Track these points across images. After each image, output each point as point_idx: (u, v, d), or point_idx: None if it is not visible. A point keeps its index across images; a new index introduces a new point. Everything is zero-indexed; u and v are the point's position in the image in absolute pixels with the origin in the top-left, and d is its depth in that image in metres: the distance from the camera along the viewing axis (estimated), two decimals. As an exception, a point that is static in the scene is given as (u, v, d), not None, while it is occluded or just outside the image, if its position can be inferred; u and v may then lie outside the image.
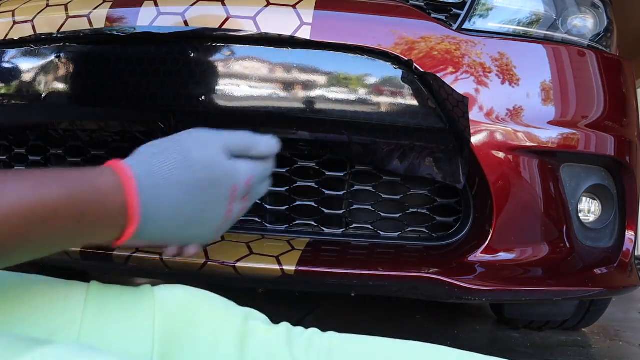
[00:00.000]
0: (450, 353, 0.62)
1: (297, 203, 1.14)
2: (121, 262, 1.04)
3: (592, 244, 1.18)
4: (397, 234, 1.14)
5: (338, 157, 1.12)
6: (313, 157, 1.13)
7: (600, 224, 1.19)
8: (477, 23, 1.12)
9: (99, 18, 1.07)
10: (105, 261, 1.06)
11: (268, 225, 1.15)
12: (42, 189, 0.47)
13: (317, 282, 1.07)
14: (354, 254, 1.11)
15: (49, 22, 1.11)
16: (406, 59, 1.03)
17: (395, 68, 1.04)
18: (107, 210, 0.51)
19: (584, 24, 1.21)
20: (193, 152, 0.57)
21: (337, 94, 1.04)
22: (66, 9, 1.10)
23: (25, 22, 1.12)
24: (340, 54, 1.04)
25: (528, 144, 1.07)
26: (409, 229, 1.14)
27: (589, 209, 1.19)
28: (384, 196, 1.14)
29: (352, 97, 1.04)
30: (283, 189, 1.14)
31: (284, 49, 1.04)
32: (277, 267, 1.02)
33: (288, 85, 1.04)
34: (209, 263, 1.03)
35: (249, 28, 1.03)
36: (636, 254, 1.28)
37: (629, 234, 1.22)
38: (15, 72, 1.14)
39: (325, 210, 1.14)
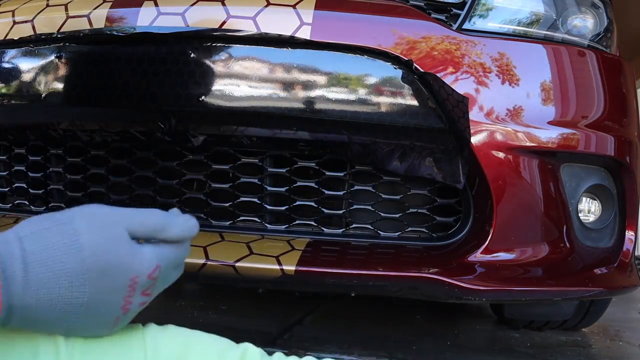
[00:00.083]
0: None
1: (297, 203, 1.14)
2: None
3: (592, 244, 1.18)
4: (397, 234, 1.14)
5: (338, 157, 1.12)
6: (313, 157, 1.13)
7: (600, 224, 1.19)
8: (477, 23, 1.12)
9: (99, 18, 1.07)
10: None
11: (268, 225, 1.15)
12: None
13: (317, 282, 1.07)
14: (354, 254, 1.11)
15: (49, 22, 1.11)
16: (406, 59, 1.03)
17: (395, 68, 1.04)
18: None
19: (584, 24, 1.21)
20: (83, 235, 0.49)
21: (337, 94, 1.04)
22: (66, 9, 1.11)
23: (25, 22, 1.13)
24: (340, 54, 1.04)
25: (528, 144, 1.07)
26: (409, 229, 1.14)
27: (589, 209, 1.19)
28: (384, 196, 1.14)
29: (352, 97, 1.04)
30: (283, 189, 1.14)
31: (284, 49, 1.04)
32: (277, 267, 1.02)
33: (288, 85, 1.04)
34: (208, 263, 1.03)
35: (249, 28, 1.03)
36: (636, 254, 1.28)
37: (629, 234, 1.22)
38: (15, 72, 1.14)
39: (325, 210, 1.14)
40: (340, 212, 1.14)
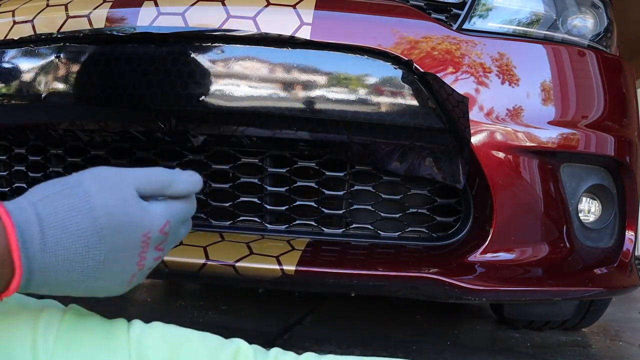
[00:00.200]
0: None
1: (297, 203, 1.14)
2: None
3: (592, 244, 1.18)
4: (397, 234, 1.14)
5: (338, 157, 1.12)
6: (313, 157, 1.13)
7: (600, 224, 1.19)
8: (477, 23, 1.12)
9: (99, 18, 1.07)
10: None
11: (268, 225, 1.15)
12: None
13: (317, 282, 1.07)
14: (354, 254, 1.11)
15: (49, 22, 1.11)
16: (406, 59, 1.03)
17: (395, 68, 1.04)
18: None
19: (584, 24, 1.21)
20: (94, 196, 0.50)
21: (337, 94, 1.04)
22: (66, 9, 1.11)
23: (25, 22, 1.13)
24: (340, 54, 1.04)
25: (528, 144, 1.07)
26: (409, 229, 1.14)
27: (589, 209, 1.19)
28: (384, 196, 1.14)
29: (352, 97, 1.04)
30: (283, 189, 1.14)
31: (284, 49, 1.04)
32: (277, 267, 1.02)
33: (288, 86, 1.04)
34: (209, 263, 1.03)
35: (249, 28, 1.03)
36: (636, 254, 1.28)
37: (629, 234, 1.22)
38: (15, 72, 1.14)
39: (325, 210, 1.14)
40: (340, 212, 1.14)
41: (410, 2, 1.12)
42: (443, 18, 1.12)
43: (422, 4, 1.13)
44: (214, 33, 1.04)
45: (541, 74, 1.11)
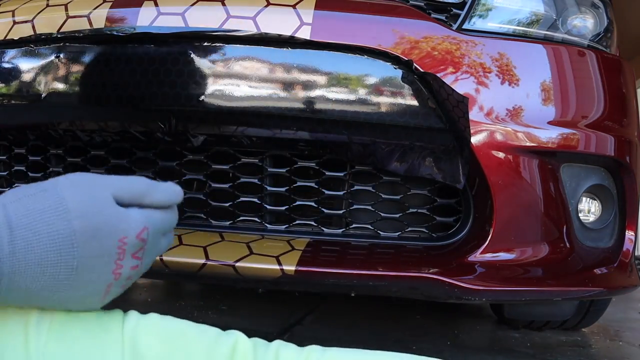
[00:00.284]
0: None
1: (297, 203, 1.14)
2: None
3: (592, 244, 1.18)
4: (397, 234, 1.14)
5: (338, 157, 1.12)
6: (313, 157, 1.13)
7: (600, 224, 1.19)
8: (477, 23, 1.12)
9: (99, 18, 1.07)
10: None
11: (268, 225, 1.15)
12: None
13: (317, 282, 1.07)
14: (354, 254, 1.11)
15: (49, 22, 1.11)
16: (406, 59, 1.03)
17: (395, 68, 1.04)
18: None
19: (584, 24, 1.21)
20: (69, 200, 0.48)
21: (337, 94, 1.04)
22: (66, 9, 1.11)
23: (25, 22, 1.13)
24: (340, 54, 1.04)
25: (528, 144, 1.07)
26: (409, 229, 1.14)
27: (589, 209, 1.19)
28: (384, 196, 1.14)
29: (352, 97, 1.04)
30: (283, 189, 1.14)
31: (284, 49, 1.04)
32: (277, 267, 1.02)
33: (288, 85, 1.04)
34: (208, 263, 1.03)
35: (249, 28, 1.03)
36: (636, 254, 1.28)
37: (629, 234, 1.22)
38: (15, 72, 1.14)
39: (325, 210, 1.14)
40: (340, 212, 1.14)
41: (410, 2, 1.12)
42: (443, 18, 1.12)
43: (422, 4, 1.13)
44: (214, 33, 1.04)
45: (541, 74, 1.11)
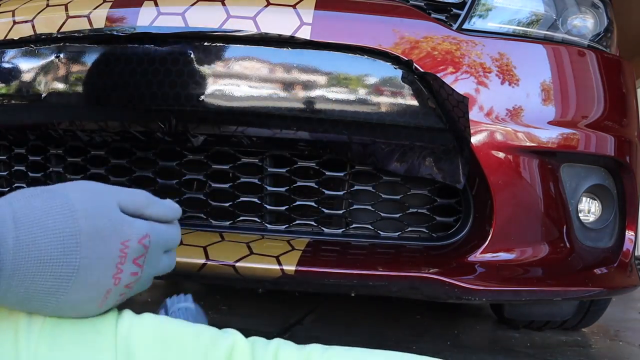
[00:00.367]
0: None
1: (297, 203, 1.14)
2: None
3: (592, 244, 1.18)
4: (397, 234, 1.14)
5: (338, 157, 1.12)
6: (313, 157, 1.13)
7: (600, 224, 1.19)
8: (477, 23, 1.12)
9: (99, 18, 1.07)
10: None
11: (268, 225, 1.15)
12: None
13: (317, 282, 1.07)
14: (354, 254, 1.11)
15: (49, 22, 1.11)
16: (406, 59, 1.03)
17: (395, 68, 1.04)
18: None
19: (584, 24, 1.21)
20: (76, 201, 0.49)
21: (337, 94, 1.04)
22: (66, 9, 1.11)
23: (25, 22, 1.13)
24: (340, 54, 1.04)
25: (528, 144, 1.07)
26: (409, 229, 1.14)
27: (589, 209, 1.19)
28: (384, 196, 1.14)
29: (352, 97, 1.04)
30: (283, 189, 1.14)
31: (284, 49, 1.04)
32: (277, 267, 1.02)
33: (288, 86, 1.04)
34: (208, 263, 1.03)
35: (249, 28, 1.03)
36: (636, 254, 1.28)
37: (629, 234, 1.22)
38: (15, 72, 1.14)
39: (325, 210, 1.14)
40: (340, 212, 1.14)
41: (410, 2, 1.12)
42: (443, 18, 1.12)
43: (422, 4, 1.13)
44: (214, 33, 1.04)
45: (541, 74, 1.11)
